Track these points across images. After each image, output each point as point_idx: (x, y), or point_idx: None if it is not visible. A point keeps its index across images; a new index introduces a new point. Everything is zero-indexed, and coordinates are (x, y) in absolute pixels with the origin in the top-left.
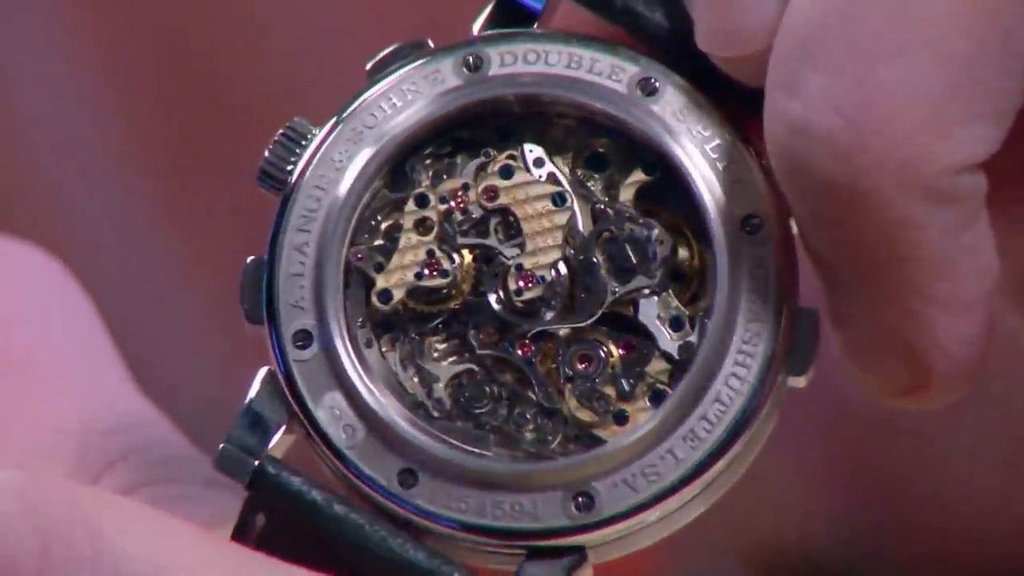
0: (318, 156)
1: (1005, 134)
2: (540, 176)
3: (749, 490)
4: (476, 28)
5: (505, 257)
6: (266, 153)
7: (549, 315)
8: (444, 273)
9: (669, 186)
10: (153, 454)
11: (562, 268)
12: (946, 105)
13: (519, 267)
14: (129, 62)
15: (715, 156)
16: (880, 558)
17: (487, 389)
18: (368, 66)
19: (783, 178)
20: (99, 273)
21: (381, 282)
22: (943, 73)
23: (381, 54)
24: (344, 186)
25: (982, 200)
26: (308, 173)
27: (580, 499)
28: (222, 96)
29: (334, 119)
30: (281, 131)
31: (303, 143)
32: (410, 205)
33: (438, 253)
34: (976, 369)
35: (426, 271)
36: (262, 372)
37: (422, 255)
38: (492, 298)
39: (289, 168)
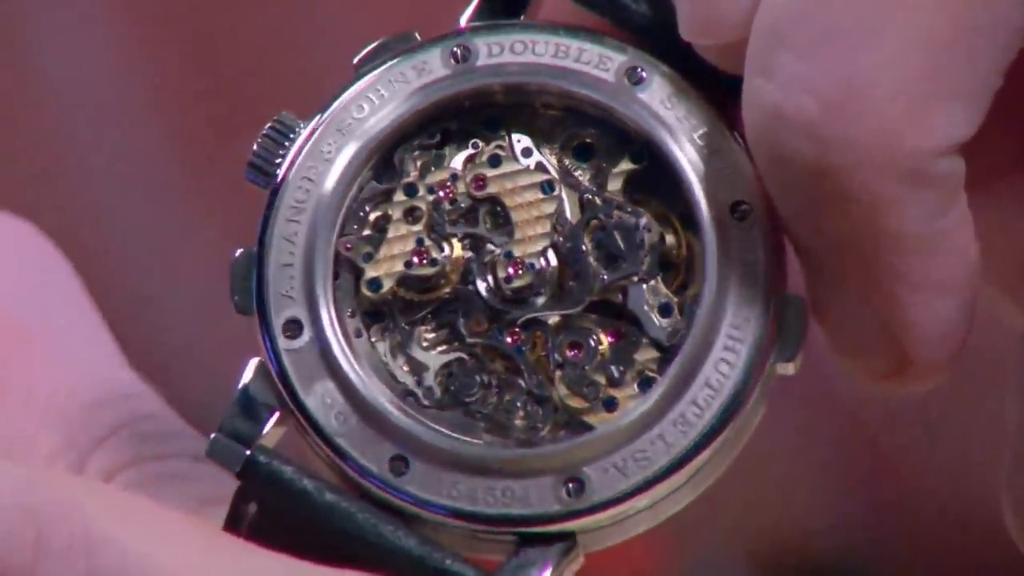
0: (306, 148)
1: (982, 116)
2: (528, 165)
3: (749, 487)
4: (464, 18)
5: (494, 245)
6: (254, 147)
7: (538, 303)
8: (433, 262)
9: (657, 175)
10: (142, 428)
11: (551, 256)
12: (923, 86)
13: (508, 255)
14: (156, 32)
15: (702, 143)
16: (880, 555)
17: (477, 377)
18: (355, 60)
19: (762, 163)
20: (116, 254)
21: (371, 271)
22: (919, 54)
23: (367, 48)
24: (333, 177)
25: (960, 183)
26: (296, 165)
27: (571, 484)
28: (240, 88)
29: (320, 112)
30: (268, 125)
31: (291, 137)
32: (399, 195)
33: (427, 242)
34: (956, 353)
35: (416, 260)
36: (253, 362)
37: (412, 244)
38: (481, 286)
39: (277, 162)
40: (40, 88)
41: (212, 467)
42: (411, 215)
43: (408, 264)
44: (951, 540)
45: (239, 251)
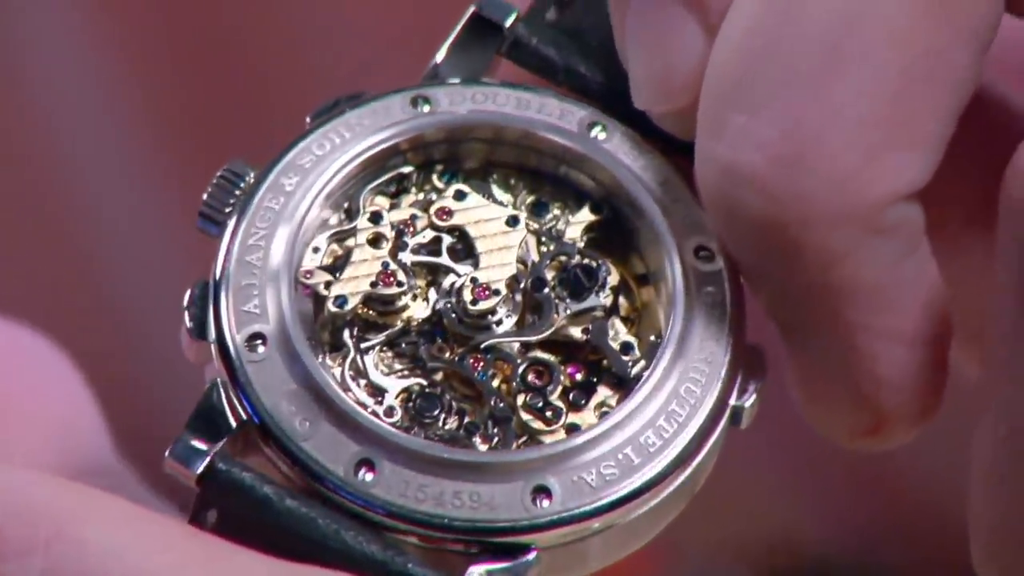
0: (267, 183)
1: (936, 163)
2: (491, 202)
3: (747, 493)
4: (445, 46)
5: (457, 275)
6: (204, 196)
7: (502, 328)
8: (399, 283)
9: (614, 230)
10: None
11: (515, 283)
12: (871, 137)
13: (474, 280)
14: (145, 36)
15: (663, 193)
16: (879, 557)
17: (438, 401)
18: (308, 118)
19: (717, 221)
20: (110, 255)
21: (337, 288)
22: (867, 105)
23: (320, 107)
24: (294, 208)
25: (918, 230)
26: (256, 195)
27: (538, 495)
28: (237, 80)
29: (278, 156)
30: (218, 174)
31: (241, 185)
32: (363, 222)
33: (392, 266)
34: (933, 402)
35: (381, 282)
36: (209, 382)
37: (377, 267)
38: (445, 311)
39: (227, 211)
40: (25, 92)
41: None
42: (375, 243)
43: (374, 284)
44: (948, 543)
45: (195, 283)
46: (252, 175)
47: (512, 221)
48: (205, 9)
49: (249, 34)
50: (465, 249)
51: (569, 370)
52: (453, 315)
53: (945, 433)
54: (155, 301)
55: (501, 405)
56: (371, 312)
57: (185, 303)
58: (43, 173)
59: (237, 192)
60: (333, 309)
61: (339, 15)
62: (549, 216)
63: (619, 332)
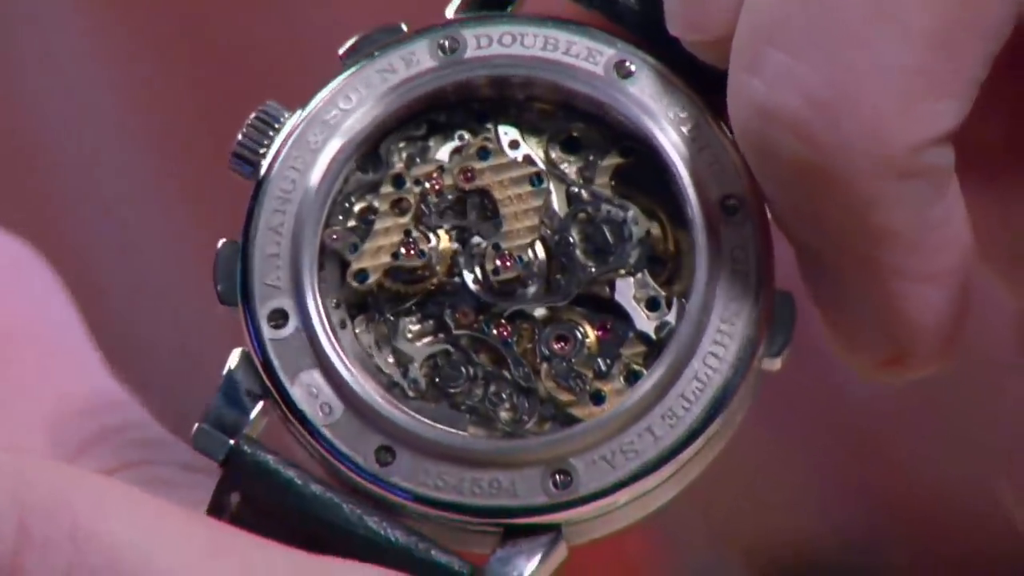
0: (292, 139)
1: (968, 107)
2: (516, 158)
3: (746, 487)
4: (451, 9)
5: (482, 237)
6: (239, 136)
7: (526, 295)
8: (421, 253)
9: (645, 170)
10: (129, 436)
11: (539, 248)
12: (910, 82)
13: (496, 247)
14: (146, 32)
15: (692, 138)
16: (878, 555)
17: (463, 369)
18: (341, 51)
19: (750, 159)
20: (102, 255)
21: (358, 262)
22: (906, 50)
23: (353, 39)
24: (319, 168)
25: (949, 173)
26: (283, 155)
27: (558, 476)
28: (228, 77)
29: (307, 103)
30: (254, 114)
31: (276, 126)
32: (386, 186)
33: (415, 233)
34: (953, 341)
35: (403, 251)
36: (236, 352)
37: (399, 235)
38: (469, 278)
39: (262, 151)
40: (22, 92)
41: (202, 475)
42: (398, 206)
43: (395, 255)
44: (949, 539)
45: (223, 241)
46: (287, 116)
47: (536, 180)
48: (205, 9)
49: (247, 33)
50: (491, 208)
51: (596, 330)
52: (477, 282)
53: (946, 433)
54: (153, 297)
55: (526, 372)
56: (395, 282)
57: (215, 261)
58: (39, 170)
59: (271, 133)
60: (354, 285)
61: (337, 14)
62: (580, 155)
63: (647, 285)
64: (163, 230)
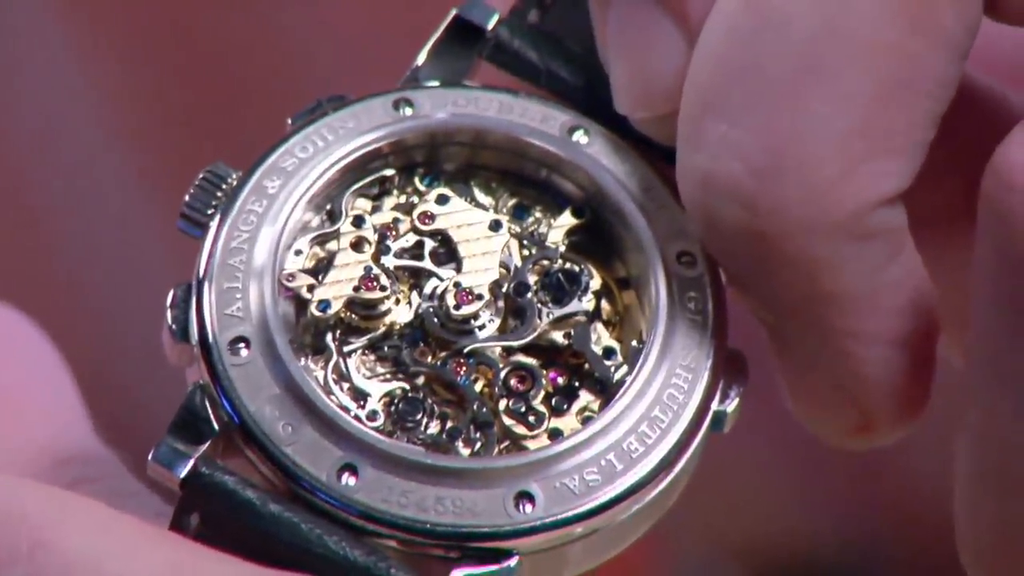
0: (249, 185)
1: (916, 167)
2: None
3: (742, 489)
4: (426, 49)
5: (440, 279)
6: (186, 198)
7: (485, 333)
8: (382, 287)
9: (594, 235)
10: (106, 485)
11: (498, 288)
12: (850, 145)
13: (457, 284)
14: (131, 45)
15: (647, 198)
16: (874, 556)
17: (421, 405)
18: (289, 119)
19: (699, 230)
20: (91, 265)
21: (320, 293)
22: (844, 113)
23: (301, 110)
24: (276, 211)
25: (902, 232)
26: (239, 197)
27: (521, 500)
28: (223, 84)
29: (260, 158)
30: (200, 175)
31: (223, 187)
32: (346, 226)
33: (375, 270)
34: (921, 400)
35: (363, 286)
36: (191, 386)
37: (360, 271)
38: (428, 316)
39: (210, 212)
40: (10, 95)
41: (165, 521)
42: (358, 246)
43: (356, 288)
44: (945, 540)
45: (176, 286)
46: (234, 177)
47: (495, 225)
48: (187, 14)
49: (231, 39)
50: (448, 253)
51: (551, 375)
52: (435, 319)
53: (945, 433)
54: (136, 302)
55: (483, 410)
56: (354, 316)
57: (168, 304)
58: (27, 174)
59: (219, 194)
60: (316, 313)
61: (319, 19)
62: (531, 219)
63: (601, 336)
64: (145, 232)
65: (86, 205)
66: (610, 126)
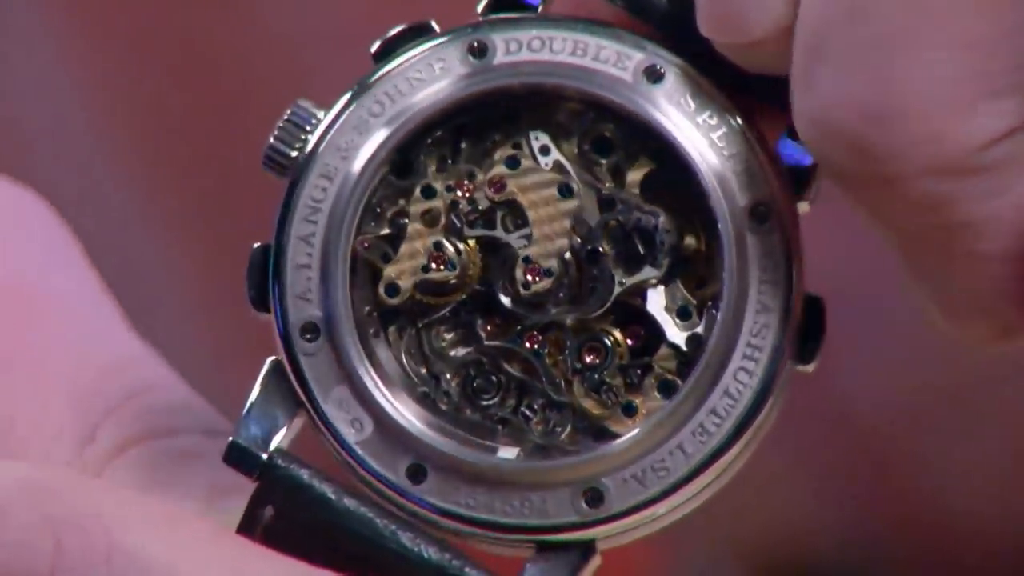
0: (324, 143)
1: None
2: (546, 164)
3: (744, 491)
4: (480, 8)
5: (512, 247)
6: (271, 138)
7: (556, 306)
8: (451, 265)
9: (676, 174)
10: (152, 399)
11: (569, 259)
12: (964, 87)
13: (526, 259)
14: (127, 51)
15: (721, 145)
16: (876, 558)
17: (495, 380)
18: (373, 49)
19: (823, 169)
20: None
21: (388, 275)
22: (958, 56)
23: (386, 36)
24: (350, 175)
25: (1021, 157)
26: (315, 160)
27: (589, 495)
28: (217, 86)
29: (340, 103)
30: (287, 114)
31: (308, 128)
32: (416, 196)
33: (445, 244)
34: None
35: (433, 264)
36: (268, 363)
37: (429, 246)
38: (499, 289)
39: (294, 154)
40: (6, 112)
41: (222, 442)
42: (427, 218)
43: (425, 268)
44: (946, 543)
45: (256, 246)
46: (319, 116)
47: (566, 190)
48: (185, 16)
49: (228, 40)
50: (520, 218)
51: (625, 340)
52: (506, 295)
53: (945, 434)
54: (132, 309)
55: (557, 384)
56: (425, 295)
57: (247, 268)
58: (26, 174)
59: (303, 135)
60: (385, 298)
61: (317, 21)
62: (611, 158)
63: (676, 294)
64: (144, 232)
65: (85, 205)
66: (690, 52)
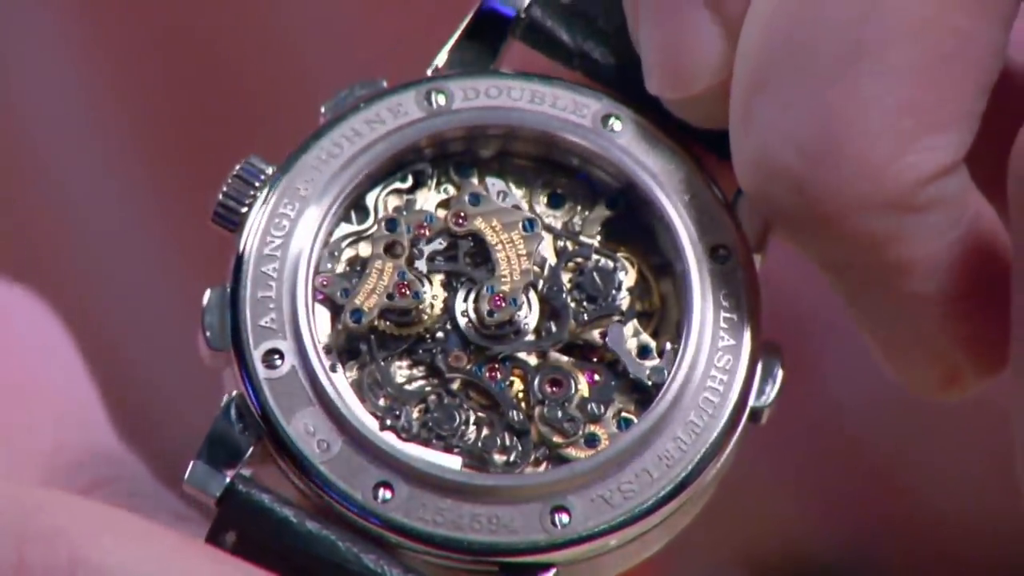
0: (280, 186)
1: (970, 138)
2: (507, 205)
3: (745, 495)
4: (431, 69)
5: (474, 282)
6: (223, 190)
7: (519, 339)
8: (416, 294)
9: (630, 224)
10: (124, 487)
11: (531, 293)
12: (900, 121)
13: (490, 289)
14: (131, 54)
15: (681, 189)
16: (874, 560)
17: (456, 412)
18: (323, 108)
19: (759, 210)
20: (95, 276)
21: (353, 301)
22: (895, 91)
23: (336, 95)
24: (309, 215)
25: (963, 197)
26: (271, 203)
27: (556, 514)
28: (221, 87)
29: (294, 153)
30: (237, 168)
31: (259, 180)
32: (379, 230)
33: (409, 275)
34: (1005, 348)
35: (397, 292)
36: (231, 392)
37: (393, 277)
38: (462, 321)
39: (244, 209)
40: (9, 104)
41: (192, 527)
42: (391, 250)
43: (390, 296)
44: (945, 547)
45: (209, 290)
46: (269, 171)
47: (529, 225)
48: (191, 18)
49: (237, 43)
50: (482, 254)
51: (587, 375)
52: (470, 325)
53: (945, 435)
54: (135, 313)
55: (519, 417)
56: (388, 324)
57: (203, 308)
58: (28, 184)
59: (252, 192)
60: (350, 324)
61: (321, 22)
62: (566, 208)
63: (637, 333)
64: (147, 232)
65: (87, 205)
66: (644, 109)
